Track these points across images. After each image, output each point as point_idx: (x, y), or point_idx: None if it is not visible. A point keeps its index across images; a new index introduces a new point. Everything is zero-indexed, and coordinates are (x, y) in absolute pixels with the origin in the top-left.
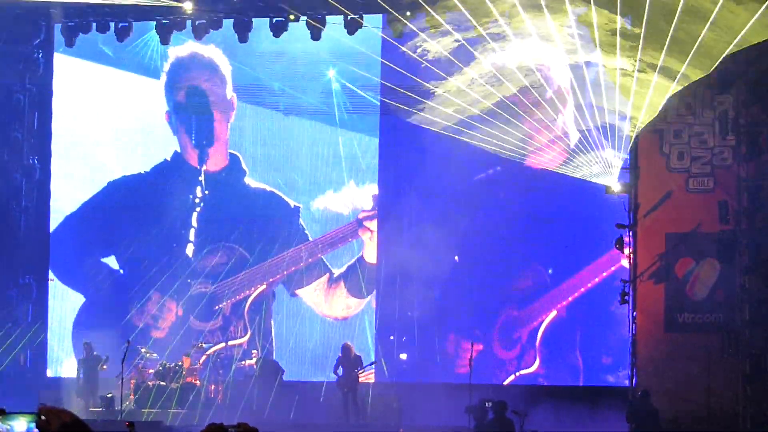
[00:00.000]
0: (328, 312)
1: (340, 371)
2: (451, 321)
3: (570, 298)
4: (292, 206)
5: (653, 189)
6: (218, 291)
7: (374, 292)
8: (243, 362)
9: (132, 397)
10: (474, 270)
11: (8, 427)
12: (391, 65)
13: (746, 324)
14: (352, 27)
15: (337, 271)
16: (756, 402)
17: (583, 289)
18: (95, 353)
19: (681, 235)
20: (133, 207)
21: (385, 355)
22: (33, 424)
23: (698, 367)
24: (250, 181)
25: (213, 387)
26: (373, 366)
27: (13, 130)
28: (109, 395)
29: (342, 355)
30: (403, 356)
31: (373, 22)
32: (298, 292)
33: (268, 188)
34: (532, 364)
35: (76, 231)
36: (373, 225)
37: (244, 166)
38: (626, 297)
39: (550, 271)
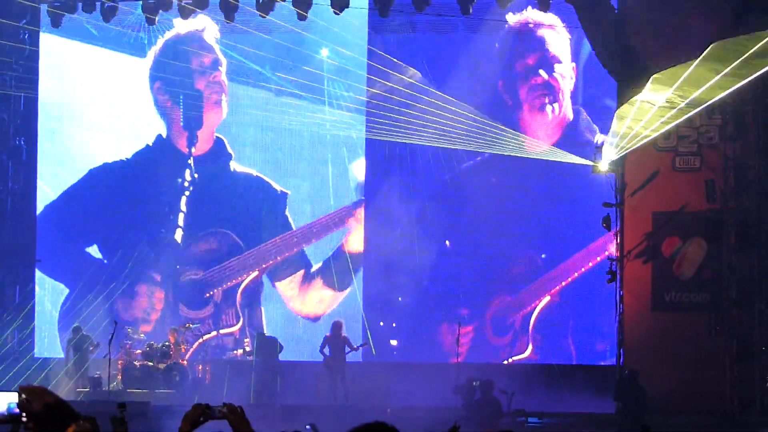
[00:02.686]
0: (300, 308)
1: (327, 351)
2: (442, 307)
3: (563, 283)
4: (279, 192)
5: (640, 168)
6: (209, 278)
7: (353, 284)
8: (235, 351)
9: (119, 377)
10: (465, 255)
11: None
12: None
13: (733, 304)
14: (338, 5)
15: (315, 266)
16: (743, 382)
17: (576, 274)
18: (84, 333)
19: (668, 214)
20: (116, 194)
21: (375, 340)
22: (14, 404)
23: (685, 347)
24: (236, 165)
25: (200, 367)
26: (363, 347)
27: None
28: (97, 376)
29: (331, 333)
30: (394, 342)
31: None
32: (276, 284)
33: (255, 173)
34: (525, 350)
35: (56, 221)
36: (361, 212)
37: (229, 149)
38: (614, 276)
39: (543, 255)
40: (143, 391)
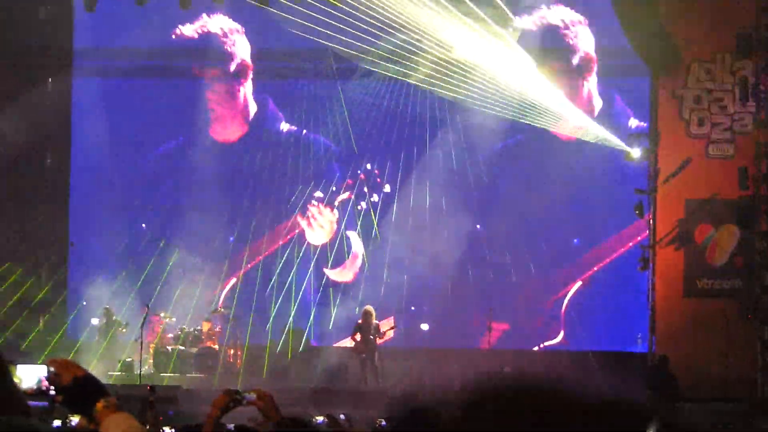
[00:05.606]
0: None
1: (358, 337)
2: (473, 292)
3: (595, 268)
4: None
5: (673, 155)
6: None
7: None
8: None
9: (151, 361)
10: (496, 239)
11: (17, 381)
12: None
13: (765, 290)
14: None
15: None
16: None
17: (608, 260)
18: (115, 318)
19: (700, 201)
20: (152, 183)
21: (405, 325)
22: (42, 376)
23: (717, 334)
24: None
25: (232, 352)
26: (392, 330)
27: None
28: (128, 359)
29: (362, 321)
30: (424, 326)
31: None
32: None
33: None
34: (557, 336)
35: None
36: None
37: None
38: (646, 263)
39: (575, 240)
40: (174, 375)
